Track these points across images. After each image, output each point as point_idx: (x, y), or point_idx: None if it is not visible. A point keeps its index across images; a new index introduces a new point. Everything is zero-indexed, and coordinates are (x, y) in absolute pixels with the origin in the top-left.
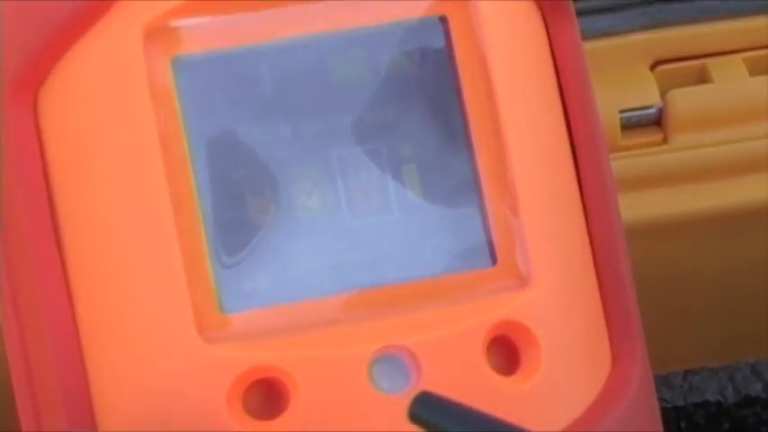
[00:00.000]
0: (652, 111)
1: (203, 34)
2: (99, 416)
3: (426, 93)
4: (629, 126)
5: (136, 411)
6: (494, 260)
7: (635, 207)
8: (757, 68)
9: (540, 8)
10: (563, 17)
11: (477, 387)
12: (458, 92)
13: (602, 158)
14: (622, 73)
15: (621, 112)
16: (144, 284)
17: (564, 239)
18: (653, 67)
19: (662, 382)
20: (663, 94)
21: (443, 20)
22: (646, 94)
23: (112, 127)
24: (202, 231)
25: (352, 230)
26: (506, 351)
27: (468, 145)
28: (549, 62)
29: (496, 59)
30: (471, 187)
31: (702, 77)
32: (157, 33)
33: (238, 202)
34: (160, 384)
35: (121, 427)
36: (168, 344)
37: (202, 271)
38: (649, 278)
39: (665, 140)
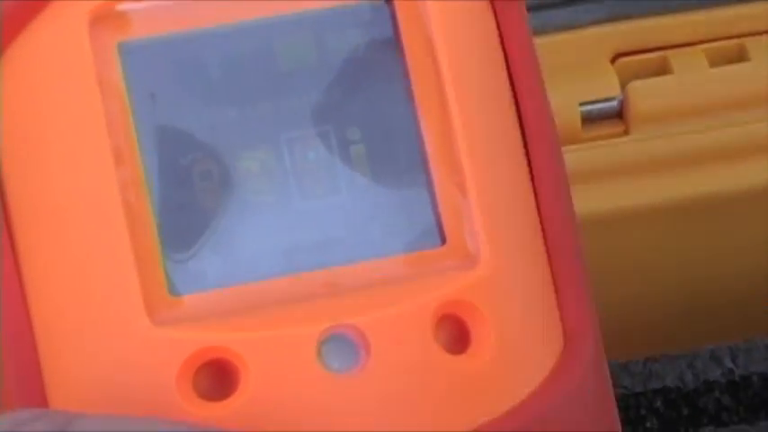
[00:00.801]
0: (613, 103)
1: (149, 19)
2: (51, 398)
3: (374, 75)
4: (590, 118)
5: (87, 394)
6: (443, 240)
7: (596, 198)
8: (718, 60)
9: None
10: (511, 2)
11: (425, 365)
12: (405, 74)
13: (552, 143)
14: (583, 66)
15: (582, 104)
16: (93, 268)
17: (513, 220)
18: (613, 60)
19: (621, 369)
20: (623, 87)
21: (389, 1)
22: (607, 87)
23: (60, 114)
24: (151, 215)
25: (301, 212)
26: (456, 330)
27: (416, 127)
28: (498, 47)
29: (443, 42)
30: (419, 168)
31: (663, 69)
32: (103, 19)
33: (187, 187)
34: (110, 367)
35: (73, 409)
36: (117, 326)
37: (151, 254)
38: (610, 267)
39: (626, 132)
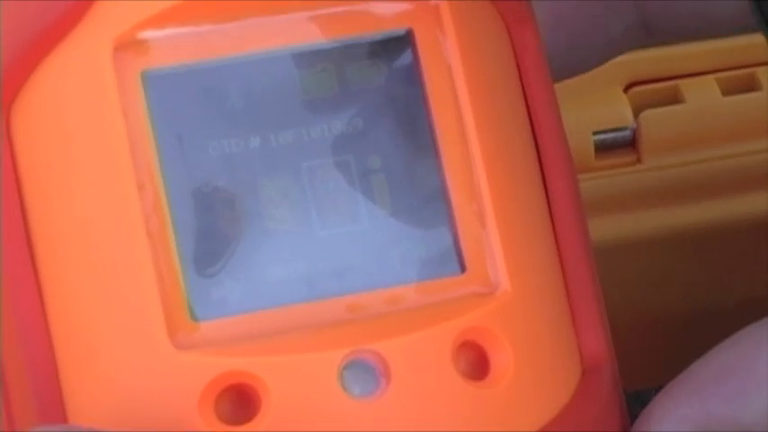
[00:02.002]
0: (626, 132)
1: (173, 48)
2: (71, 420)
3: (394, 105)
4: (603, 147)
5: (107, 417)
6: (462, 268)
7: (609, 227)
8: (730, 88)
9: (505, 20)
10: (525, 27)
11: (445, 391)
12: (425, 103)
13: (568, 170)
14: (596, 95)
15: (595, 133)
16: (116, 294)
17: (532, 248)
18: (626, 89)
19: (634, 398)
20: (636, 116)
21: (410, 33)
22: (619, 116)
23: (83, 140)
24: (173, 242)
25: (321, 240)
26: (476, 357)
27: (436, 155)
28: (515, 75)
29: (462, 72)
30: (439, 196)
31: (675, 98)
32: (127, 47)
33: (209, 214)
34: (132, 391)
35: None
36: (140, 351)
37: (173, 280)
38: (622, 295)
39: (638, 161)
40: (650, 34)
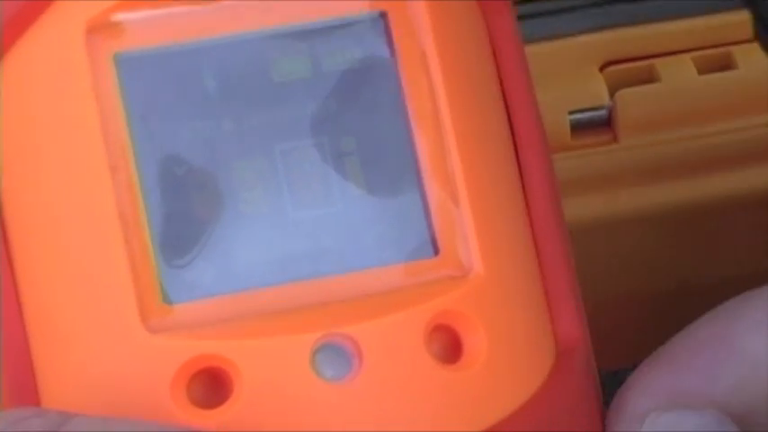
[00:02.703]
0: (602, 111)
1: (146, 30)
2: (44, 402)
3: (368, 87)
4: (579, 127)
5: (80, 399)
6: (436, 251)
7: (585, 206)
8: (706, 67)
9: (480, 4)
10: (502, 12)
11: (417, 374)
12: (399, 85)
13: (543, 152)
14: (571, 75)
15: (571, 113)
16: (88, 275)
17: (506, 230)
18: (602, 69)
19: (612, 377)
20: (612, 95)
21: (383, 15)
22: (595, 95)
23: (56, 123)
24: (146, 225)
25: (295, 222)
26: (449, 340)
27: (410, 137)
28: (490, 57)
29: (436, 53)
30: (413, 179)
31: (651, 77)
32: (100, 29)
33: (182, 197)
34: (104, 374)
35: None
36: (112, 334)
37: (146, 263)
38: (598, 275)
39: (614, 140)
40: None
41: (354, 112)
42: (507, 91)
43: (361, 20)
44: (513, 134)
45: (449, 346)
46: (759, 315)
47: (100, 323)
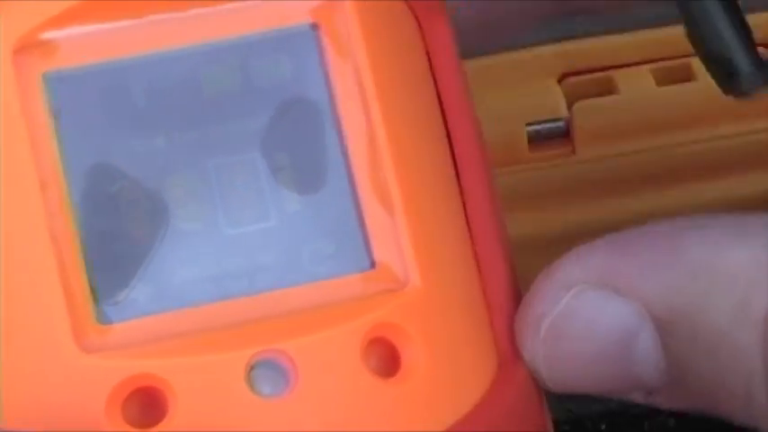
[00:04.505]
0: (560, 123)
1: (74, 48)
2: None
3: (300, 101)
4: (536, 139)
5: (17, 418)
6: (372, 264)
7: (542, 218)
8: (664, 79)
9: (415, 13)
10: (437, 20)
11: (354, 389)
12: (332, 98)
13: (482, 164)
14: (529, 86)
15: (528, 124)
16: (21, 296)
17: (443, 242)
18: (560, 80)
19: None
20: (570, 107)
21: (314, 27)
22: (553, 107)
23: None
24: (78, 244)
25: (229, 239)
26: (386, 353)
27: (344, 151)
28: (426, 68)
29: (369, 65)
30: (348, 193)
31: (609, 89)
32: (28, 48)
33: (115, 214)
34: (40, 394)
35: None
36: (46, 354)
37: (78, 281)
38: None
39: (572, 152)
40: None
41: (287, 126)
42: (445, 103)
43: (291, 32)
44: (451, 146)
45: (386, 359)
46: (719, 233)
47: (34, 343)
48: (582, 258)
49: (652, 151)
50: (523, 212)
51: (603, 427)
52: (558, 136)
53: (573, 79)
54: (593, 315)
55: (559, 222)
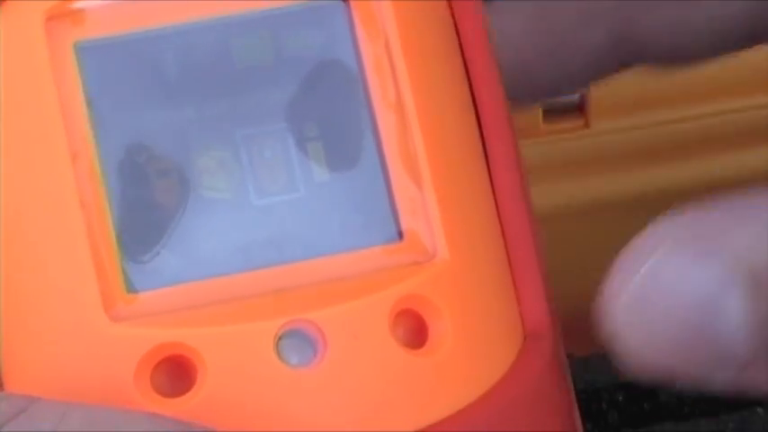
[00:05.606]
0: (574, 96)
1: (106, 18)
2: (9, 389)
3: (330, 73)
4: (550, 112)
5: (45, 388)
6: (400, 235)
7: (557, 191)
8: None
9: None
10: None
11: (382, 360)
12: (361, 70)
13: (509, 138)
14: None
15: None
16: (50, 265)
17: (471, 215)
18: None
19: (582, 363)
20: None
21: (346, 2)
22: None
23: (17, 112)
24: (108, 213)
25: (258, 209)
26: (414, 325)
27: (373, 122)
28: (455, 43)
29: (399, 39)
30: (377, 164)
31: None
32: (59, 18)
33: (144, 184)
34: (68, 363)
35: None
36: (75, 323)
37: (108, 251)
38: (570, 261)
39: (586, 125)
40: (629, 53)
41: (317, 98)
42: (473, 76)
43: (323, 4)
44: (479, 120)
45: (414, 331)
46: None
47: (63, 311)
48: (668, 219)
49: (666, 125)
50: (537, 185)
51: (620, 397)
52: (572, 109)
53: None
54: (675, 279)
55: (574, 196)
